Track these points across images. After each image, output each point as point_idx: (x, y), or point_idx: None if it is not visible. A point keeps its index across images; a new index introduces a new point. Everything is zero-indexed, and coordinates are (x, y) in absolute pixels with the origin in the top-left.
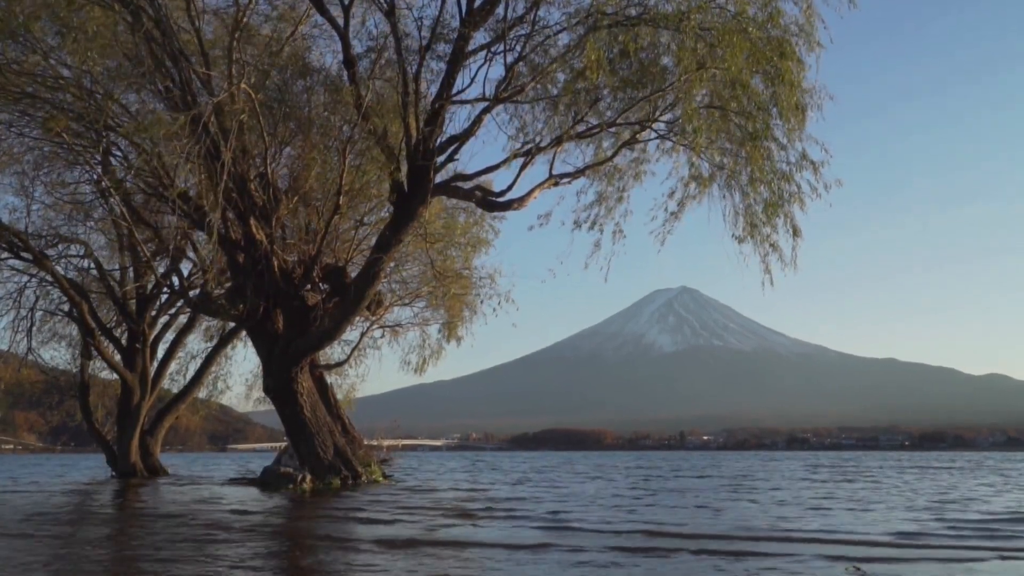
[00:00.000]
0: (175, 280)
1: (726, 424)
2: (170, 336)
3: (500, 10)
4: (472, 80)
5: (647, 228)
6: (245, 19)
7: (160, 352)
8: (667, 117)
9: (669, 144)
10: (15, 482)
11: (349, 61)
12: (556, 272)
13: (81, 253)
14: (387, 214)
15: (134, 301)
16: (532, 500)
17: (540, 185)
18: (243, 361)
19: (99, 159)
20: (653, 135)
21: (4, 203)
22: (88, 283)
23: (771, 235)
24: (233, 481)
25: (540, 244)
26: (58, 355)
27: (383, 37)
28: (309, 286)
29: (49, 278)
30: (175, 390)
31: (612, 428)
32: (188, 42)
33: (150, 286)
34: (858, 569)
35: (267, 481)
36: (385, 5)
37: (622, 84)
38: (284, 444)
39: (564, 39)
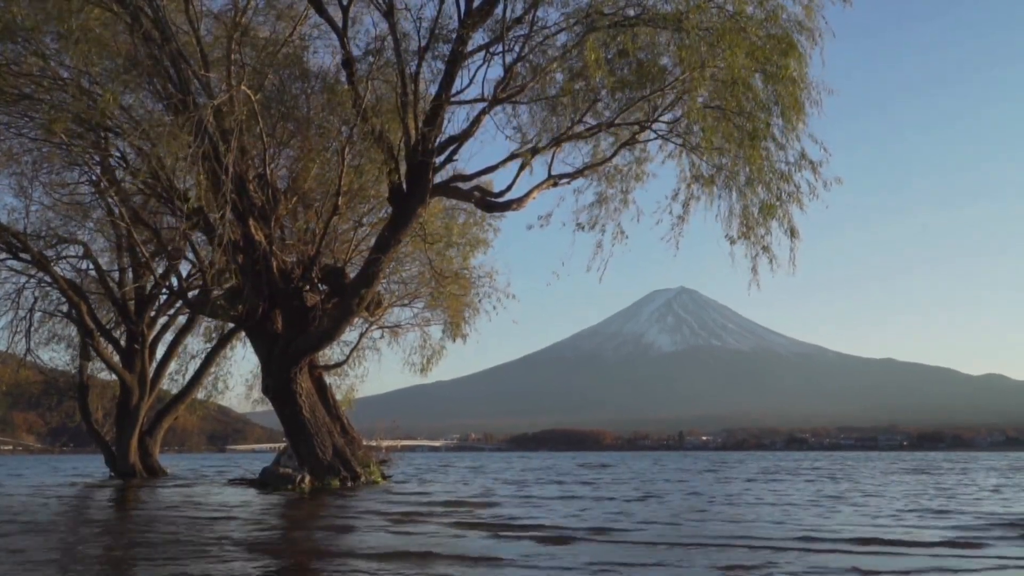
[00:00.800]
0: (174, 281)
1: (725, 424)
2: (169, 337)
3: (499, 10)
4: (471, 80)
5: (654, 232)
6: (244, 20)
7: (159, 353)
8: (667, 117)
9: (672, 146)
10: (8, 484)
11: (348, 61)
12: (559, 274)
13: (80, 254)
14: (386, 215)
15: (133, 302)
16: (533, 506)
17: (539, 186)
18: (242, 361)
19: (98, 160)
20: (653, 136)
21: (3, 204)
22: (87, 284)
23: (764, 237)
24: (233, 482)
25: (539, 244)
26: (57, 356)
27: (382, 38)
28: (308, 287)
29: (48, 279)
30: (174, 391)
31: (611, 428)
32: (187, 43)
33: (149, 287)
34: (858, 570)
35: (266, 482)
36: (384, 5)
37: (620, 84)
38: (283, 445)
39: (562, 39)
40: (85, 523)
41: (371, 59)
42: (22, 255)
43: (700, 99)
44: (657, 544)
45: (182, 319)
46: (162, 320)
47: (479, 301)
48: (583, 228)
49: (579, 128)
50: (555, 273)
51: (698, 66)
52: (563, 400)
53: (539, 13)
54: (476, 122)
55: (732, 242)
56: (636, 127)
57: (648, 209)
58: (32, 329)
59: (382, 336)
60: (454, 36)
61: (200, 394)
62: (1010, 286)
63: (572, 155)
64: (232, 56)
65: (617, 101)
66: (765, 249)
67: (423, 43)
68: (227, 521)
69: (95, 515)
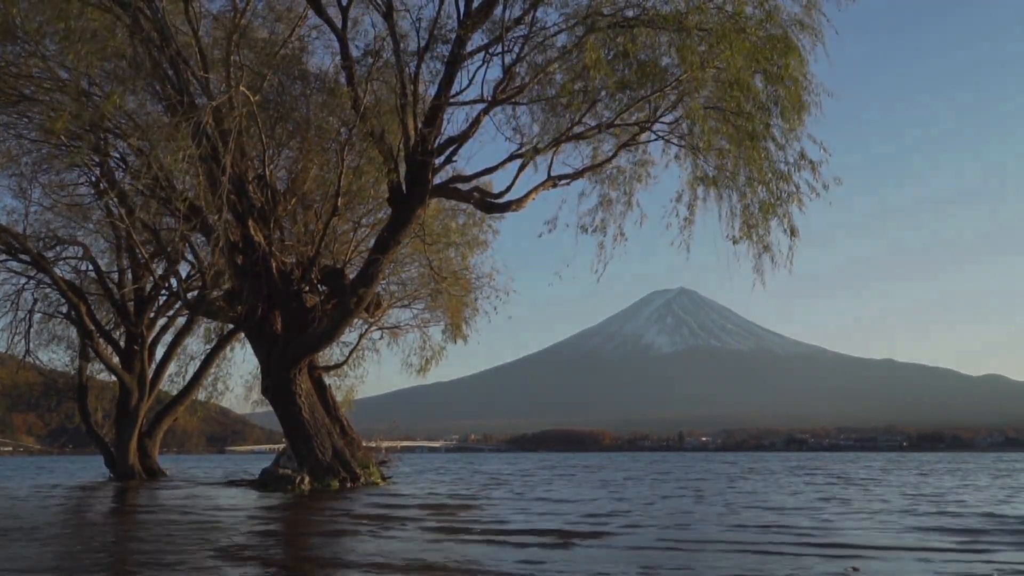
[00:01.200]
0: (173, 282)
1: (724, 425)
2: (169, 338)
3: (498, 11)
4: (471, 81)
5: (654, 233)
6: (243, 21)
7: (159, 354)
8: (668, 118)
9: (675, 148)
10: (6, 486)
11: (347, 62)
12: (562, 275)
13: (79, 255)
14: (385, 216)
15: (132, 303)
16: (527, 510)
17: (538, 187)
18: (242, 362)
19: (98, 161)
20: (653, 136)
21: (2, 205)
22: (86, 285)
23: (765, 236)
24: (232, 483)
25: (539, 245)
26: (56, 357)
27: (381, 39)
28: (308, 288)
29: (47, 280)
30: (174, 392)
31: (611, 429)
32: (186, 45)
33: (148, 288)
34: (856, 570)
35: (266, 483)
36: (383, 6)
37: (621, 85)
38: (283, 446)
39: (562, 40)
40: (75, 527)
41: (370, 60)
42: (21, 256)
43: (701, 100)
44: (646, 549)
45: (182, 320)
46: (161, 321)
47: (477, 301)
48: (586, 231)
49: (579, 129)
50: (557, 274)
51: (698, 67)
52: (562, 401)
53: (538, 14)
54: (475, 123)
55: (735, 242)
56: (636, 128)
57: (652, 210)
58: (31, 330)
59: (381, 337)
60: (453, 37)
61: (200, 395)
62: (1010, 286)
63: (572, 156)
64: (231, 57)
65: (617, 102)
66: (766, 248)
67: (422, 44)
68: (219, 525)
69: (87, 518)
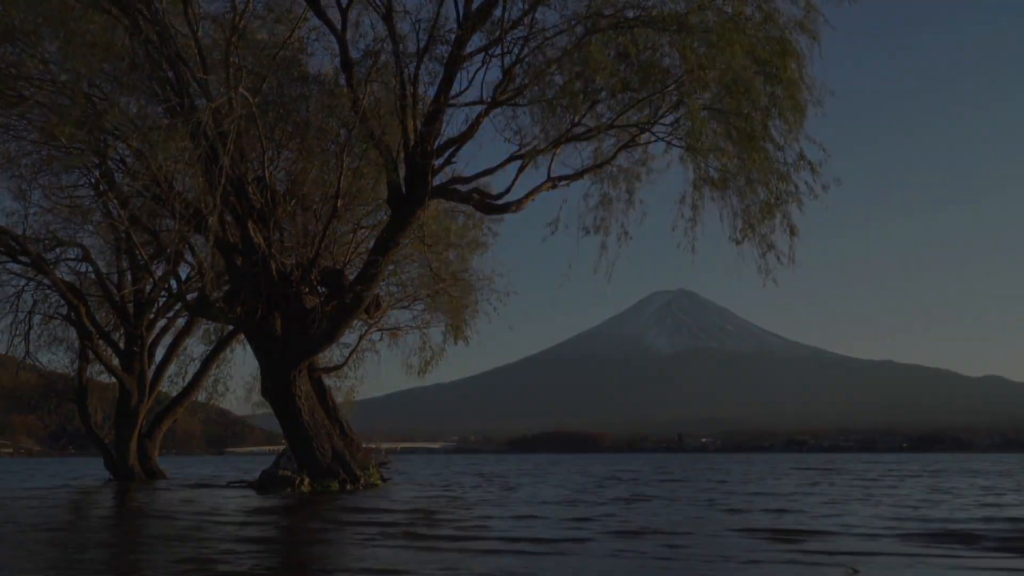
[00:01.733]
0: (173, 283)
1: (724, 426)
2: (168, 339)
3: (497, 12)
4: (470, 82)
5: (654, 233)
6: (242, 22)
7: (159, 355)
8: (668, 119)
9: (677, 151)
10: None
11: (346, 64)
12: (563, 276)
13: (79, 256)
14: (385, 217)
15: (132, 304)
16: (522, 514)
17: (538, 188)
18: (242, 364)
19: (97, 162)
20: (653, 138)
21: (2, 207)
22: (86, 286)
23: (769, 235)
24: (232, 484)
25: (540, 245)
26: (56, 359)
27: (380, 40)
28: (307, 289)
29: (47, 282)
30: (174, 393)
31: (611, 430)
32: (186, 46)
33: (148, 289)
34: (855, 571)
35: (265, 484)
36: (382, 8)
37: (623, 86)
38: (283, 447)
39: (562, 41)
40: (49, 530)
41: (370, 61)
42: (21, 258)
43: (701, 101)
44: (636, 556)
45: (181, 321)
46: (161, 322)
47: (477, 303)
48: (588, 232)
49: (579, 130)
50: (567, 276)
51: (698, 68)
52: (562, 402)
53: (537, 15)
54: (475, 124)
55: (737, 243)
56: (636, 129)
57: (653, 210)
58: (31, 332)
59: (381, 338)
60: (452, 38)
61: (200, 396)
62: (1010, 287)
63: (572, 157)
64: (230, 59)
65: (618, 102)
66: (771, 247)
67: (422, 45)
68: (202, 531)
69: (69, 522)
